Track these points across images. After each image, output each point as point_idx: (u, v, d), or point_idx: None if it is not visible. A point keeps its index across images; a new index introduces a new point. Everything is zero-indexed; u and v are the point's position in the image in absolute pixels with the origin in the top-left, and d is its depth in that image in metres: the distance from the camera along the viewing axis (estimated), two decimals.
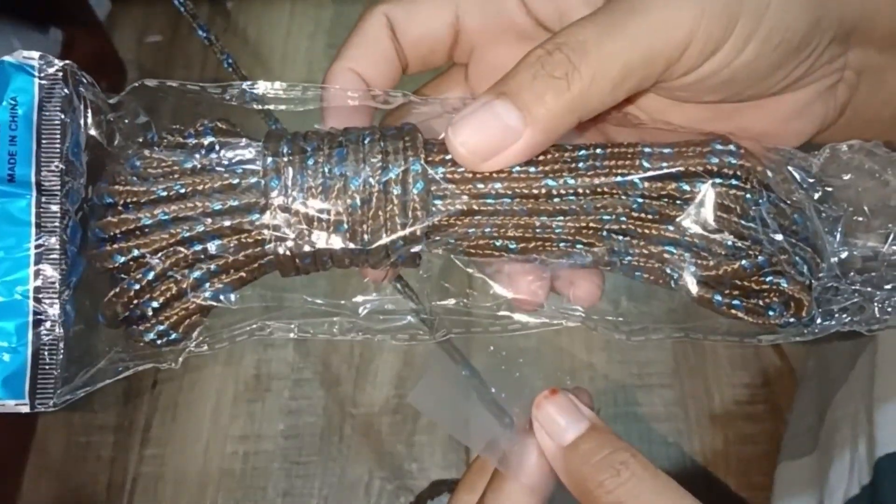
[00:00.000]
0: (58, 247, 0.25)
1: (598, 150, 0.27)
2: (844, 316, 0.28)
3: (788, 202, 0.27)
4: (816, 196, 0.28)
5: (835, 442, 0.49)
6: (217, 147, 0.27)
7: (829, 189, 0.28)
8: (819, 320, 0.27)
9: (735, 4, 0.25)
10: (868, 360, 0.48)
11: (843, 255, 0.28)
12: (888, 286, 0.28)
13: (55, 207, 0.25)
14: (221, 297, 0.27)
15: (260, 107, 0.29)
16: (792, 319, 0.27)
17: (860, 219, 0.28)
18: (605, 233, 0.27)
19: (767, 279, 0.26)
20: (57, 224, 0.25)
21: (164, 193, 0.27)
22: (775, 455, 0.60)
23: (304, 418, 0.76)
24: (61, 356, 0.26)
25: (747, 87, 0.27)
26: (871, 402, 0.45)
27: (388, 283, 0.30)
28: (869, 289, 0.27)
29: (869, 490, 0.43)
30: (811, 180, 0.28)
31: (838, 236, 0.28)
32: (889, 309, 0.27)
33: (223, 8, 1.03)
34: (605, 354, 0.77)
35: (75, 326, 0.26)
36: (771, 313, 0.27)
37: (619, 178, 0.27)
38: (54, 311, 0.25)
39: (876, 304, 0.27)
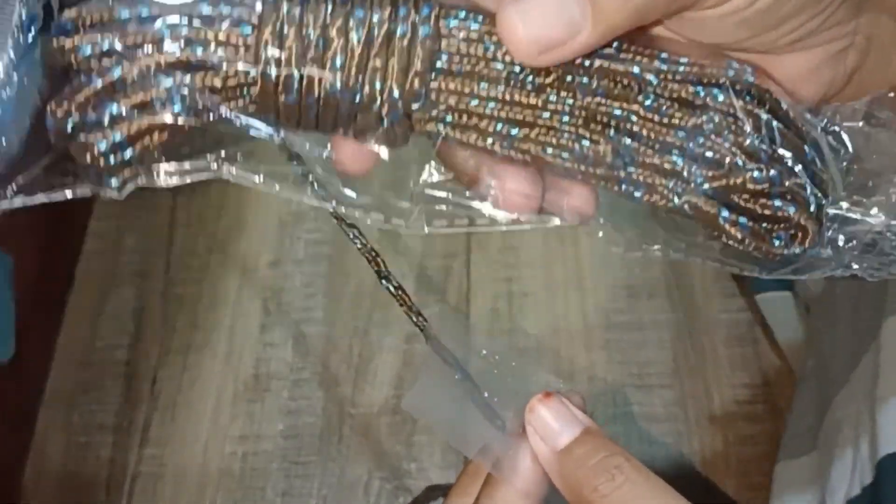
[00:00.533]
0: (8, 40, 0.22)
1: (615, 43, 0.26)
2: (846, 255, 0.27)
3: (801, 132, 0.26)
4: (827, 135, 0.27)
5: (836, 442, 0.49)
6: None
7: (841, 132, 0.28)
8: (825, 252, 0.27)
9: None
10: (872, 359, 0.48)
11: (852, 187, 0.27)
12: (892, 228, 0.27)
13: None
14: (191, 117, 0.24)
15: None
16: (797, 250, 0.26)
17: (869, 157, 0.28)
18: (612, 130, 0.25)
19: (775, 203, 0.25)
20: (11, 17, 0.23)
21: None
22: (775, 455, 0.60)
23: (303, 418, 0.76)
24: None
25: (759, 32, 0.27)
26: (874, 402, 0.45)
27: (363, 174, 0.27)
28: (879, 221, 0.27)
29: (871, 490, 0.43)
30: (824, 122, 0.28)
31: (847, 171, 0.27)
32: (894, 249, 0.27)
33: None
34: (605, 354, 0.77)
35: (10, 134, 0.23)
36: (776, 242, 0.26)
37: (634, 70, 0.25)
38: None
39: (883, 239, 0.27)
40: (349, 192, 0.27)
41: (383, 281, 0.29)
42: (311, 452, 0.75)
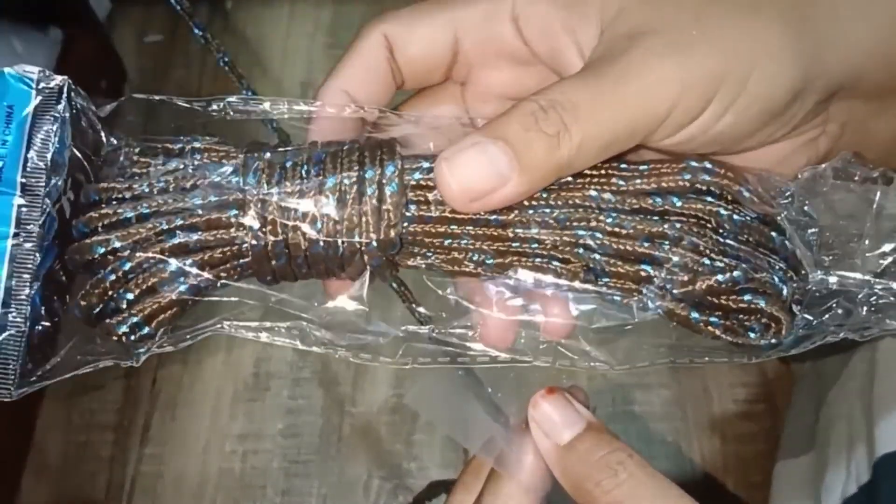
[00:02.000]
0: (34, 242, 0.26)
1: None
2: (830, 323, 0.27)
3: (764, 219, 0.27)
4: (793, 212, 0.28)
5: (830, 440, 0.49)
6: (203, 153, 0.28)
7: (807, 205, 0.28)
8: (804, 329, 0.27)
9: (715, 77, 0.26)
10: (867, 357, 0.48)
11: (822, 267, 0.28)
12: (868, 283, 0.27)
13: (36, 208, 0.27)
14: (195, 294, 0.27)
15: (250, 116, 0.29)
16: (773, 340, 0.27)
17: (838, 223, 0.28)
18: (580, 249, 0.27)
19: (745, 298, 0.26)
20: (36, 223, 0.27)
21: (147, 189, 0.27)
22: (774, 454, 0.60)
23: (303, 417, 0.77)
24: (23, 349, 0.26)
25: (724, 148, 0.28)
26: (871, 401, 0.45)
27: (356, 294, 0.30)
28: (852, 286, 0.27)
29: (867, 489, 0.43)
30: (788, 198, 0.28)
31: (815, 248, 0.28)
32: (874, 307, 0.27)
33: (222, 8, 1.03)
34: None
35: (40, 321, 0.27)
36: (752, 335, 0.27)
37: (592, 192, 0.27)
38: (21, 304, 0.26)
39: (860, 304, 0.27)
40: (337, 338, 0.29)
41: (396, 288, 0.30)
42: (311, 451, 0.75)
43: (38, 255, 0.26)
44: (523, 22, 0.30)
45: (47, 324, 0.27)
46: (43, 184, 0.27)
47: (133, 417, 0.78)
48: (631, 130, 0.26)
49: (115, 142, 0.29)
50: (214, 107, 0.29)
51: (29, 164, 0.27)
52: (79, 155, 0.28)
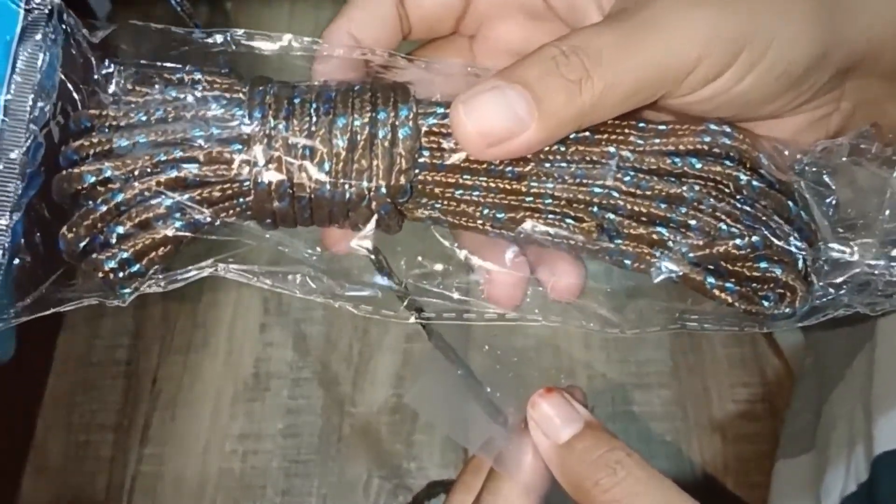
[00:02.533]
0: (15, 168, 0.25)
1: None
2: (843, 296, 0.27)
3: (781, 187, 0.27)
4: (812, 182, 0.28)
5: (832, 440, 0.49)
6: (205, 85, 0.26)
7: (825, 175, 0.28)
8: (817, 301, 0.27)
9: (744, 33, 0.25)
10: (866, 357, 0.48)
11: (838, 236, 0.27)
12: (886, 256, 0.27)
13: (20, 132, 0.25)
14: (191, 231, 0.26)
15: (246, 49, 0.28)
16: (787, 310, 0.26)
17: (855, 196, 0.28)
18: (595, 207, 0.26)
19: (761, 265, 0.26)
20: (19, 149, 0.25)
21: (144, 118, 0.26)
22: (773, 453, 0.60)
23: (303, 417, 0.77)
24: (0, 282, 0.25)
25: (740, 112, 0.27)
26: (869, 400, 0.45)
27: (349, 251, 0.28)
28: (868, 259, 0.27)
29: (866, 487, 0.43)
30: (805, 168, 0.28)
31: (832, 217, 0.27)
32: (892, 280, 0.27)
33: (222, 8, 1.03)
34: (604, 353, 0.77)
35: (20, 254, 0.25)
36: (766, 303, 0.26)
37: (611, 149, 0.26)
38: (1, 234, 0.25)
39: (874, 278, 0.27)
40: (339, 287, 0.28)
41: (379, 270, 0.29)
42: (311, 451, 0.75)
43: (19, 182, 0.25)
44: None
45: (27, 257, 0.25)
46: (28, 108, 0.25)
47: (133, 417, 0.78)
48: (654, 81, 0.25)
49: (108, 67, 0.27)
50: (218, 38, 0.27)
51: (13, 87, 0.25)
52: (67, 82, 0.26)
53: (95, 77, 0.26)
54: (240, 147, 0.25)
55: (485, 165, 0.26)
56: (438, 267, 0.28)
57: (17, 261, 0.25)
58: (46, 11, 0.26)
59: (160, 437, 0.77)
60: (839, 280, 0.27)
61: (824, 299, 0.27)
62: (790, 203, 0.27)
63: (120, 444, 0.76)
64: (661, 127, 0.27)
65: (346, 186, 0.25)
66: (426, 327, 0.31)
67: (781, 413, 0.70)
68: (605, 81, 0.25)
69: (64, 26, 0.26)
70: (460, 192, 0.26)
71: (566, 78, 0.24)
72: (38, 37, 0.25)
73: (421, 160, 0.26)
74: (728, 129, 0.27)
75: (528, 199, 0.26)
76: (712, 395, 0.75)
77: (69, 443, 0.77)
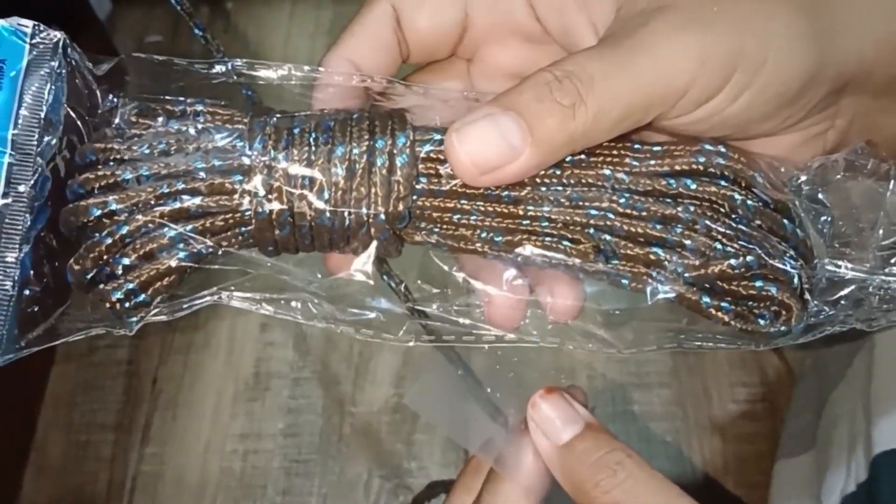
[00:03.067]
0: (24, 202, 0.25)
1: None
2: (839, 313, 0.27)
3: (776, 205, 0.27)
4: (806, 200, 0.28)
5: (832, 440, 0.49)
6: (206, 116, 0.27)
7: (820, 193, 0.28)
8: (813, 318, 0.27)
9: (734, 55, 0.25)
10: (866, 357, 0.48)
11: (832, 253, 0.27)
12: (881, 272, 0.27)
13: (28, 166, 0.25)
14: (194, 261, 0.26)
15: (244, 83, 0.28)
16: (783, 328, 0.26)
17: (850, 212, 0.28)
18: (591, 229, 0.26)
19: (757, 284, 0.26)
20: (27, 182, 0.25)
21: (147, 151, 0.26)
22: (773, 453, 0.60)
23: (303, 417, 0.77)
24: (10, 314, 0.25)
25: (735, 131, 0.27)
26: (868, 400, 0.45)
27: (350, 276, 0.28)
28: (864, 276, 0.27)
29: (866, 487, 0.43)
30: (800, 186, 0.28)
31: (827, 234, 0.27)
32: (887, 297, 0.27)
33: (223, 9, 1.03)
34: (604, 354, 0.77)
35: (29, 286, 0.26)
36: (762, 322, 0.26)
37: (606, 171, 0.26)
38: (9, 268, 0.25)
39: (870, 294, 0.27)
40: (339, 313, 0.28)
41: (384, 277, 0.29)
42: (312, 451, 0.75)
43: (28, 216, 0.25)
44: None
45: (36, 288, 0.26)
46: (35, 142, 0.25)
47: (134, 417, 0.78)
48: (647, 104, 0.25)
49: (112, 101, 0.27)
50: (218, 69, 0.28)
51: (20, 121, 0.25)
52: (73, 115, 0.26)
53: (100, 110, 0.27)
54: (241, 177, 0.26)
55: (481, 190, 0.26)
56: (437, 290, 0.29)
57: (27, 292, 0.26)
58: (51, 45, 0.26)
59: (161, 436, 0.77)
60: (834, 297, 0.27)
61: (820, 316, 0.27)
62: (785, 221, 0.27)
63: (121, 444, 0.76)
64: (656, 148, 0.27)
65: (346, 214, 0.26)
66: (427, 327, 0.31)
67: (781, 413, 0.70)
68: (598, 106, 0.25)
69: (69, 59, 0.26)
70: (458, 216, 0.27)
71: (560, 103, 0.25)
72: (44, 71, 0.26)
73: (418, 186, 0.26)
74: (723, 150, 0.27)
75: (524, 222, 0.27)
76: (712, 395, 0.75)
77: (70, 442, 0.77)
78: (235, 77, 0.28)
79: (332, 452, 0.75)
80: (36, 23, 0.26)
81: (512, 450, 0.30)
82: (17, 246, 0.25)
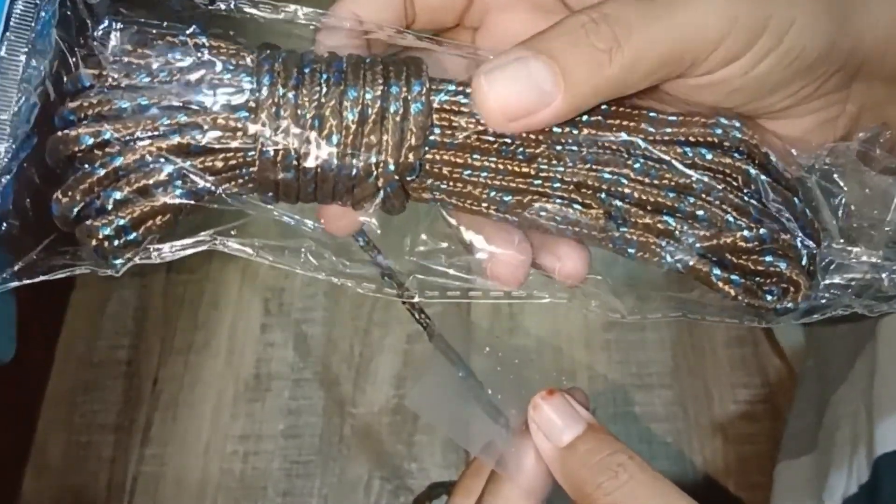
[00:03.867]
0: (5, 129, 0.24)
1: (603, 106, 0.26)
2: (843, 295, 0.27)
3: (789, 183, 0.27)
4: (821, 180, 0.28)
5: (834, 441, 0.49)
6: (209, 49, 0.25)
7: (835, 174, 0.28)
8: (819, 299, 0.27)
9: (764, 17, 0.25)
10: (868, 358, 0.48)
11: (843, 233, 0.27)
12: (889, 259, 0.27)
13: (10, 91, 0.24)
14: (192, 200, 0.25)
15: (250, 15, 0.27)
16: (789, 304, 0.26)
17: (862, 198, 0.28)
18: (603, 194, 0.26)
19: (766, 259, 0.26)
20: (7, 109, 0.24)
21: (147, 80, 0.24)
22: (775, 454, 0.60)
23: (303, 418, 0.76)
24: None
25: (752, 99, 0.27)
26: (871, 401, 0.45)
27: (348, 235, 0.28)
28: (874, 260, 0.27)
29: (867, 489, 0.43)
30: (814, 166, 0.28)
31: (840, 214, 0.27)
32: (891, 283, 0.27)
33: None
34: (605, 355, 0.77)
35: (8, 219, 0.24)
36: (769, 297, 0.26)
37: (622, 135, 0.26)
38: None
39: (884, 275, 0.27)
40: (341, 265, 0.28)
41: (385, 279, 0.29)
42: (312, 452, 0.75)
43: (11, 143, 0.24)
44: None
45: (15, 223, 0.24)
46: (20, 66, 0.24)
47: (134, 418, 0.78)
48: (681, 54, 0.25)
49: (106, 27, 0.25)
50: (220, 5, 0.26)
51: (5, 44, 0.24)
52: (63, 45, 0.25)
53: (93, 37, 0.25)
54: (246, 115, 0.24)
55: (496, 145, 0.26)
56: (443, 245, 0.28)
57: (4, 226, 0.24)
58: None
59: (161, 437, 0.77)
60: (841, 280, 0.27)
61: (824, 298, 0.27)
62: (796, 200, 0.27)
63: (121, 445, 0.76)
64: (672, 117, 0.27)
65: (354, 161, 0.25)
66: (427, 329, 0.31)
67: (783, 414, 0.70)
68: (634, 52, 0.24)
69: None
70: (468, 172, 0.26)
71: (596, 47, 0.24)
72: None
73: (431, 138, 0.25)
74: (738, 124, 0.27)
75: (536, 181, 0.26)
76: (713, 396, 0.75)
77: (70, 443, 0.77)
78: (237, 13, 0.26)
79: (332, 454, 0.75)
80: None
81: (513, 451, 0.30)
82: None
